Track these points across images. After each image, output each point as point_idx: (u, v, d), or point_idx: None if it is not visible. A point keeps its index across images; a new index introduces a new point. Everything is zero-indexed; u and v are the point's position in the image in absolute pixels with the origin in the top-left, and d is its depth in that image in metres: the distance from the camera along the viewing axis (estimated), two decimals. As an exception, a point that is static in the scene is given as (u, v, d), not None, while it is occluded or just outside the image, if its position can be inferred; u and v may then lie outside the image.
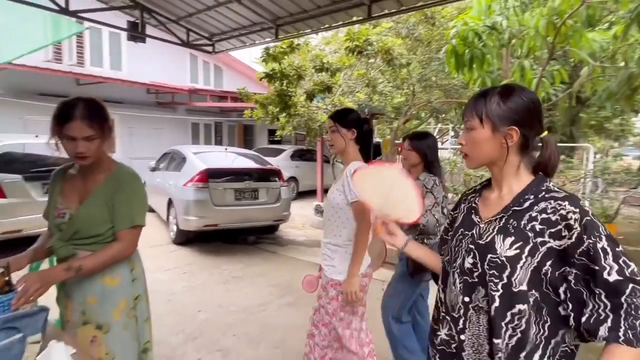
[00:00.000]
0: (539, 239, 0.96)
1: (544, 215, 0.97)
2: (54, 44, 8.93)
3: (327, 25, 4.71)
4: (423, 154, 2.42)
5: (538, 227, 0.97)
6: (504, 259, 0.98)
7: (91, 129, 1.45)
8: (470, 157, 1.08)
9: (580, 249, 0.92)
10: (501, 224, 1.02)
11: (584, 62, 5.12)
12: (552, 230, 0.95)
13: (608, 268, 0.89)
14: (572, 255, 0.93)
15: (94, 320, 1.51)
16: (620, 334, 0.85)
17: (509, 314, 0.97)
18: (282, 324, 3.38)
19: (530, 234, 0.97)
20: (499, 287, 0.98)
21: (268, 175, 6.11)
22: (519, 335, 0.96)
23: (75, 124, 1.42)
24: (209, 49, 5.59)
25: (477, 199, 1.14)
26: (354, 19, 4.44)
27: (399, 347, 2.38)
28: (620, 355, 0.85)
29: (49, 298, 1.41)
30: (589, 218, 0.93)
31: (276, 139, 13.92)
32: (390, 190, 1.22)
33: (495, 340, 0.98)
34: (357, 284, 1.84)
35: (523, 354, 0.96)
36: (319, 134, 7.40)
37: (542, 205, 0.98)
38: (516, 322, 0.97)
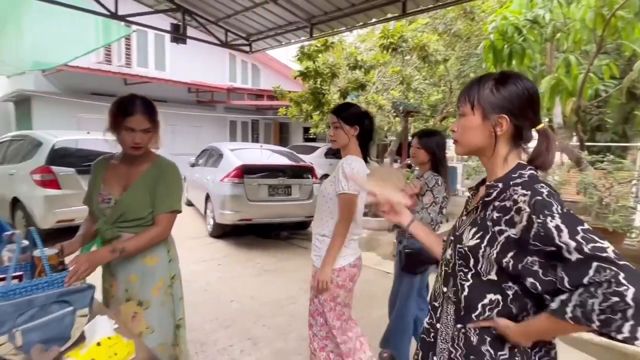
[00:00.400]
0: (497, 228, 0.92)
1: (502, 203, 0.94)
2: (104, 47, 9.50)
3: (361, 23, 4.72)
4: (431, 152, 2.43)
5: (496, 215, 0.94)
6: (466, 248, 0.98)
7: (148, 122, 1.63)
8: (459, 143, 1.06)
9: (533, 232, 0.84)
10: (474, 216, 1.02)
11: (637, 56, 4.79)
12: (507, 217, 0.91)
13: (565, 246, 0.80)
14: (527, 241, 0.86)
15: (135, 297, 1.65)
16: (568, 310, 0.78)
17: (479, 305, 0.96)
18: (305, 317, 3.44)
19: (489, 224, 0.95)
20: (469, 276, 0.98)
21: (301, 172, 6.21)
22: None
23: (137, 117, 1.60)
24: (246, 48, 5.75)
25: (473, 192, 1.14)
26: (389, 16, 4.41)
27: (396, 341, 2.49)
28: (553, 324, 0.83)
29: (97, 279, 1.55)
30: (539, 198, 0.86)
31: (311, 136, 14.10)
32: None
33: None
34: (329, 274, 1.86)
35: (484, 348, 0.95)
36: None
37: (505, 193, 0.94)
38: (487, 313, 0.95)
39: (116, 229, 1.63)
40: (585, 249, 0.77)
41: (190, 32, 5.26)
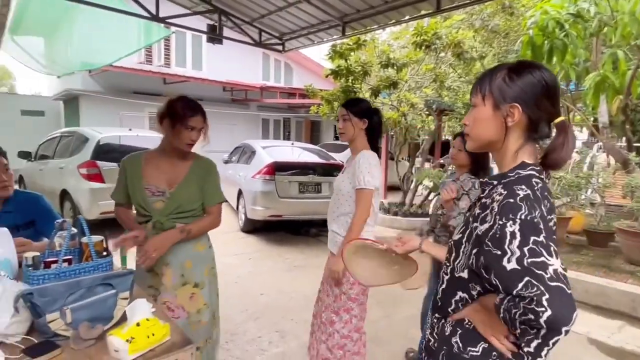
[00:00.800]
0: (475, 224, 0.90)
1: (485, 200, 0.91)
2: (145, 48, 9.94)
3: (394, 21, 4.68)
4: (474, 156, 2.25)
5: (477, 211, 0.91)
6: (452, 242, 0.98)
7: (203, 122, 1.82)
8: (470, 137, 1.00)
9: (491, 233, 0.82)
10: (469, 213, 1.01)
11: (694, 50, 4.45)
12: (483, 214, 0.88)
13: (509, 254, 0.78)
14: (484, 240, 0.84)
15: (191, 281, 1.84)
16: (501, 310, 0.80)
17: (452, 301, 0.96)
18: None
19: (471, 219, 0.93)
20: (448, 270, 0.98)
21: (331, 170, 6.25)
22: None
23: (198, 117, 1.79)
24: (279, 47, 5.85)
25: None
26: (422, 12, 4.35)
27: None
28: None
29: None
30: (510, 200, 0.82)
31: (342, 135, 14.10)
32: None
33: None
34: (341, 264, 1.86)
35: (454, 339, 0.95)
36: (383, 131, 7.34)
37: (493, 190, 0.91)
38: (460, 309, 0.96)
39: (172, 220, 1.78)
40: (525, 262, 0.77)
41: (226, 32, 5.41)
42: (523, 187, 0.85)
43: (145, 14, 4.77)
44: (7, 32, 6.60)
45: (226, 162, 7.85)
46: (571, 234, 5.82)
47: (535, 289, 0.74)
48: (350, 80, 6.27)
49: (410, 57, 6.43)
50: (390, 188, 9.16)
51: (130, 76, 10.72)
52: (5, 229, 1.45)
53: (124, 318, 1.22)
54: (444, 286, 1.00)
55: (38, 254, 1.39)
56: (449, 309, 0.97)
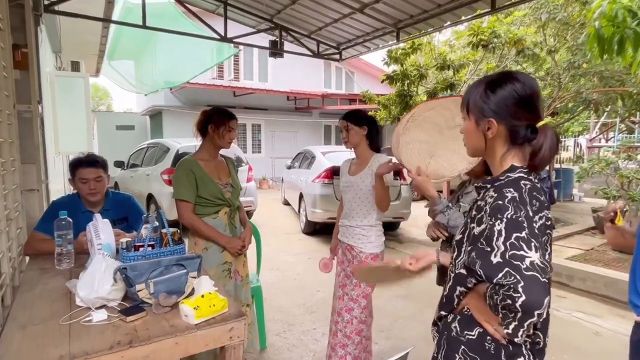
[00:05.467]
0: (472, 225, 0.98)
1: (480, 203, 0.98)
2: (217, 65, 10.88)
3: (448, 23, 4.66)
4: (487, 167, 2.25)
5: (474, 213, 0.99)
6: (455, 242, 1.07)
7: (237, 124, 2.33)
8: (466, 147, 1.10)
9: (485, 233, 0.90)
10: (467, 214, 1.08)
11: None
12: (479, 215, 0.96)
13: (496, 249, 0.87)
14: (479, 240, 0.92)
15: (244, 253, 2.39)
16: (487, 296, 0.90)
17: (454, 295, 1.04)
18: (391, 311, 3.57)
19: (469, 220, 1.01)
20: (453, 268, 1.06)
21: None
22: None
23: (234, 120, 2.29)
24: (336, 57, 6.10)
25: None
26: (478, 12, 4.29)
27: None
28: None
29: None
30: (499, 202, 0.91)
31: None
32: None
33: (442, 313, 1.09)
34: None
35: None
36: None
37: (486, 193, 0.98)
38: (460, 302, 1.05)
39: (237, 202, 2.34)
40: (506, 255, 0.86)
41: (287, 46, 5.80)
42: (511, 189, 0.93)
43: (215, 35, 5.32)
44: (105, 59, 7.73)
45: (289, 167, 8.26)
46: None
47: (512, 277, 0.83)
48: (406, 85, 6.29)
49: (468, 57, 6.27)
50: (452, 192, 8.87)
51: (204, 91, 11.78)
52: (107, 220, 1.84)
53: (192, 292, 1.51)
54: (450, 283, 1.09)
55: (131, 239, 1.75)
56: (454, 304, 1.06)
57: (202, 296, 1.41)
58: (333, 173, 6.05)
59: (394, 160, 2.00)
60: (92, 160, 2.20)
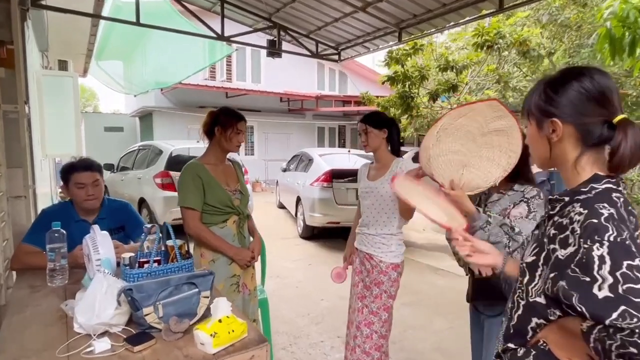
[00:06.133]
0: (552, 246, 0.82)
1: (560, 220, 0.83)
2: (210, 65, 10.67)
3: (452, 23, 4.57)
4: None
5: (552, 232, 0.84)
6: (524, 265, 0.90)
7: (245, 126, 2.16)
8: (533, 158, 0.97)
9: (577, 258, 0.75)
10: (538, 230, 0.93)
11: None
12: (562, 236, 0.80)
13: (600, 280, 0.70)
14: (568, 266, 0.76)
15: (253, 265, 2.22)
16: (591, 339, 0.72)
17: (529, 328, 0.88)
18: (399, 320, 3.42)
19: (545, 240, 0.85)
20: (523, 295, 0.91)
21: (388, 176, 6.20)
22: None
23: (243, 122, 2.12)
24: (335, 57, 5.97)
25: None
26: (484, 12, 4.21)
27: None
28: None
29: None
30: (594, 220, 0.75)
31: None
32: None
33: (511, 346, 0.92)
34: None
35: None
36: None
37: (566, 209, 0.83)
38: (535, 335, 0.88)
39: (245, 209, 2.17)
40: (619, 289, 0.69)
41: (284, 45, 5.65)
42: (605, 205, 0.78)
43: (212, 34, 5.14)
44: (93, 59, 7.47)
45: (284, 170, 8.09)
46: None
47: (634, 319, 0.67)
48: (407, 86, 6.20)
49: (470, 58, 6.21)
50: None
51: (196, 92, 11.53)
52: (106, 232, 1.66)
53: (205, 314, 1.34)
54: (519, 312, 0.93)
55: (134, 254, 1.56)
56: (527, 337, 0.91)
57: (220, 320, 1.24)
58: (332, 176, 5.91)
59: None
60: (87, 164, 2.02)
